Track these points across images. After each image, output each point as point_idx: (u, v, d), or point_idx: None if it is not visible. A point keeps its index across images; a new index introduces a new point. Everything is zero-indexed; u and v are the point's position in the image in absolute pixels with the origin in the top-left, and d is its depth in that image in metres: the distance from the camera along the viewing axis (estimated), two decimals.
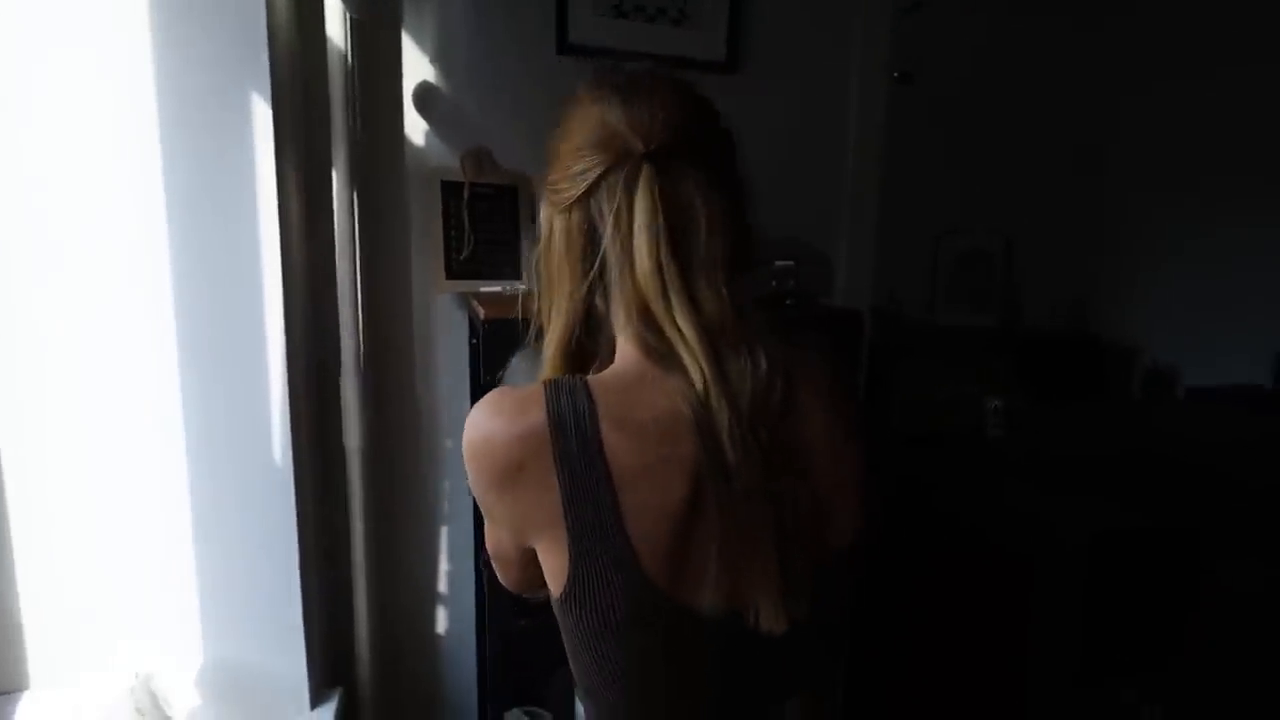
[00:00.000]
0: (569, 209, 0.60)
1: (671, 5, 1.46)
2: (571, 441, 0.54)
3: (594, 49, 1.41)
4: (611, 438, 0.55)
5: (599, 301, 0.61)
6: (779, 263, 1.48)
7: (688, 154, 0.58)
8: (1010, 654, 1.48)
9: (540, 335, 0.66)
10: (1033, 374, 2.18)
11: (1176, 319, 2.33)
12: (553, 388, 0.56)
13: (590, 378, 0.58)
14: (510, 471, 0.55)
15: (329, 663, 1.32)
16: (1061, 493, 1.54)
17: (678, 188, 0.57)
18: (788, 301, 1.47)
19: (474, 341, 1.36)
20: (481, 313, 1.20)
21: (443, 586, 1.49)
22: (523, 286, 1.40)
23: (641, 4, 1.44)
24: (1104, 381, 2.44)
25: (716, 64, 1.49)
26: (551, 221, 0.63)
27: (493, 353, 1.18)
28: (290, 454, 1.11)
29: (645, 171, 0.56)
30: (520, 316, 0.69)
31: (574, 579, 0.55)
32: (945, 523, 1.66)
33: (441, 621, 1.51)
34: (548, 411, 0.55)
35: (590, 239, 0.59)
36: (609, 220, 0.57)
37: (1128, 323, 2.46)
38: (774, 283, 1.47)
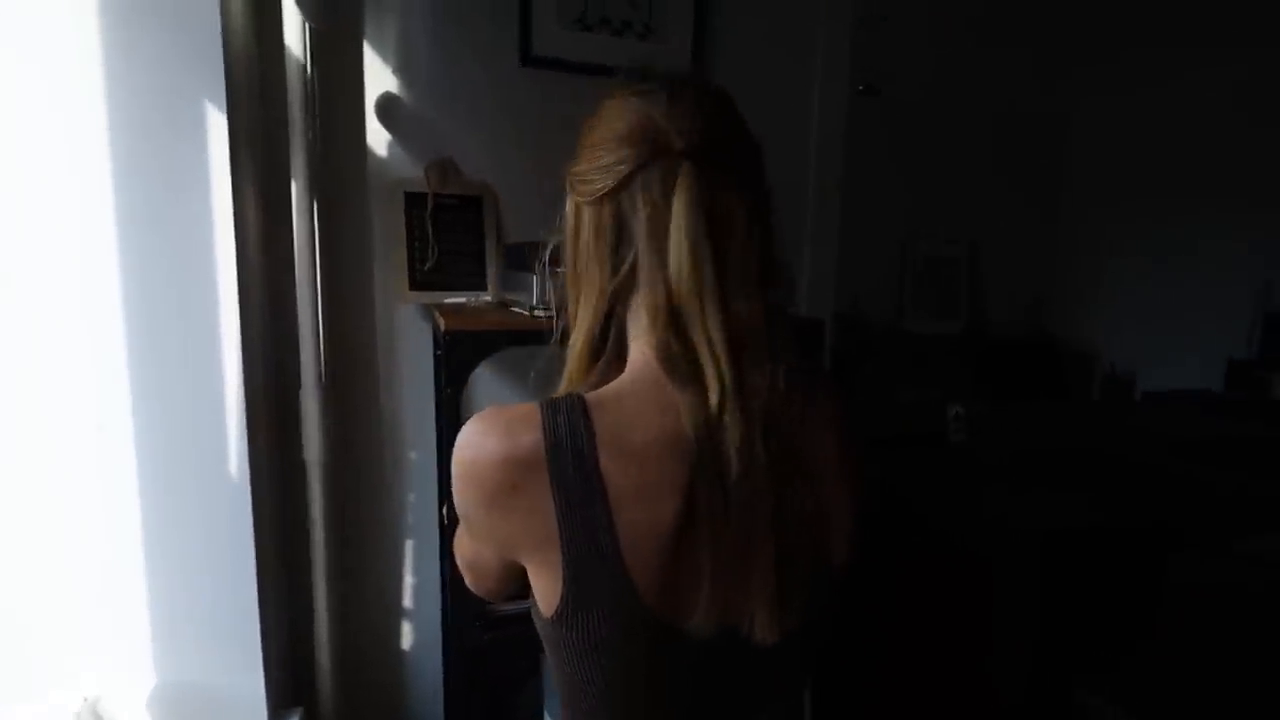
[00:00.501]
0: (599, 201, 0.57)
1: (637, 19, 1.48)
2: (567, 464, 0.53)
3: (558, 61, 1.41)
4: (607, 459, 0.53)
5: (620, 301, 0.59)
6: None
7: (726, 159, 0.56)
8: (974, 656, 1.50)
9: (565, 336, 0.63)
10: (994, 379, 2.22)
11: (1135, 327, 2.40)
12: (549, 408, 0.54)
13: (589, 394, 0.56)
14: (502, 492, 0.54)
15: (289, 681, 1.29)
16: (1022, 493, 1.58)
17: (716, 192, 0.55)
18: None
19: (438, 353, 1.34)
20: (443, 324, 1.20)
21: (407, 600, 1.47)
22: (487, 297, 1.40)
23: (607, 17, 1.46)
24: (1064, 386, 2.50)
25: None
26: (578, 214, 0.60)
27: (456, 364, 1.18)
28: (247, 466, 1.09)
29: (685, 170, 0.54)
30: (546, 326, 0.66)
31: (567, 599, 0.54)
32: (908, 526, 1.69)
33: (406, 636, 1.48)
34: (544, 432, 0.53)
35: (620, 235, 0.57)
36: (643, 218, 0.55)
37: (1088, 330, 2.53)
38: None
